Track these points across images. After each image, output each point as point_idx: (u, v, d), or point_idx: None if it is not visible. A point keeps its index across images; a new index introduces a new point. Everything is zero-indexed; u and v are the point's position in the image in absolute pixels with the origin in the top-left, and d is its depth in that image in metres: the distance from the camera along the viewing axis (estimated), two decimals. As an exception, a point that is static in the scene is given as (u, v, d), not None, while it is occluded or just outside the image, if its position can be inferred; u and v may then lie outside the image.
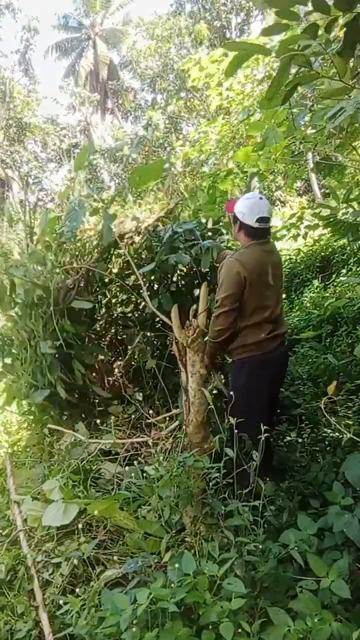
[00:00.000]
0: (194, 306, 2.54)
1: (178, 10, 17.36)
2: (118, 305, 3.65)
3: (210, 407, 2.28)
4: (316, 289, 6.54)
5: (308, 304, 6.06)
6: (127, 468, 2.64)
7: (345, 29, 1.61)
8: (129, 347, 3.44)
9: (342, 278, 6.37)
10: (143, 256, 3.36)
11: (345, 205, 3.17)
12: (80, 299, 3.04)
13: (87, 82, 25.37)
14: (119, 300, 3.64)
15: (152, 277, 3.28)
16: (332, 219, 3.12)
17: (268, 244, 2.67)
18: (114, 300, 3.62)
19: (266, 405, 2.60)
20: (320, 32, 1.62)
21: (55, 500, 2.35)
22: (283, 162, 3.24)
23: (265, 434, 1.97)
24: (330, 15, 1.57)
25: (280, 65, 1.68)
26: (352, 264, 6.55)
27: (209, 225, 3.32)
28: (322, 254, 7.37)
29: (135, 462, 2.38)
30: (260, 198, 2.61)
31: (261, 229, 2.59)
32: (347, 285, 5.54)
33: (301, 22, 1.99)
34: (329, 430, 3.04)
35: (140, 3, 46.97)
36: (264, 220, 2.57)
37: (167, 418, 2.83)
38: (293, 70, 1.82)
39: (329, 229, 3.26)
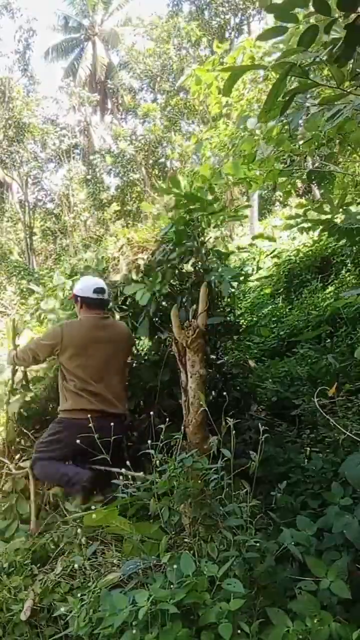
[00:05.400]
0: (194, 306, 2.55)
1: (175, 11, 17.36)
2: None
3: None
4: (315, 289, 6.54)
5: (307, 305, 6.06)
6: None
7: (345, 30, 1.61)
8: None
9: (341, 279, 6.37)
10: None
11: (340, 210, 3.16)
12: None
13: (86, 82, 25.36)
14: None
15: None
16: (329, 224, 3.11)
17: (106, 319, 2.93)
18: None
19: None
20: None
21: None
22: (273, 177, 3.22)
23: None
24: (331, 16, 1.57)
25: (277, 78, 1.68)
26: (350, 266, 6.55)
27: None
28: (322, 254, 7.37)
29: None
30: (94, 276, 3.04)
31: (99, 300, 2.90)
32: (348, 290, 5.52)
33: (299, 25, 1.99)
34: (327, 431, 3.04)
35: (140, 3, 46.93)
36: (101, 290, 2.89)
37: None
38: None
39: (326, 232, 3.25)
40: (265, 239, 3.77)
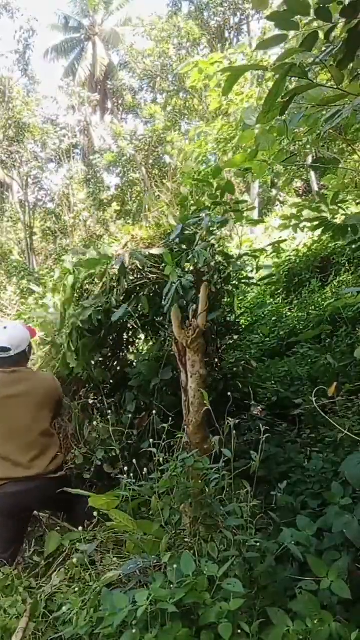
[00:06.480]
0: (194, 306, 2.55)
1: (174, 10, 17.38)
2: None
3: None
4: (315, 289, 6.54)
5: (307, 304, 6.06)
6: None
7: (347, 35, 1.62)
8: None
9: (341, 279, 6.38)
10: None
11: (335, 207, 3.14)
12: None
13: (86, 82, 25.36)
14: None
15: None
16: (322, 221, 3.09)
17: (17, 373, 2.67)
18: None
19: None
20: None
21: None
22: (279, 159, 3.20)
23: None
24: (332, 22, 1.57)
25: (277, 79, 1.68)
26: (348, 266, 6.55)
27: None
28: (321, 254, 7.37)
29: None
30: (5, 327, 2.71)
31: (1, 359, 2.65)
32: (348, 290, 5.51)
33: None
34: (327, 430, 3.04)
35: (140, 3, 47.03)
36: (2, 349, 2.63)
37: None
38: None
39: (322, 229, 3.24)
40: (278, 245, 3.73)
